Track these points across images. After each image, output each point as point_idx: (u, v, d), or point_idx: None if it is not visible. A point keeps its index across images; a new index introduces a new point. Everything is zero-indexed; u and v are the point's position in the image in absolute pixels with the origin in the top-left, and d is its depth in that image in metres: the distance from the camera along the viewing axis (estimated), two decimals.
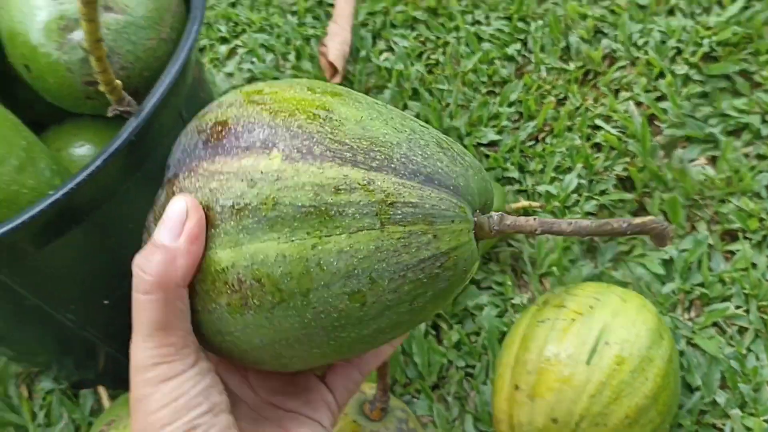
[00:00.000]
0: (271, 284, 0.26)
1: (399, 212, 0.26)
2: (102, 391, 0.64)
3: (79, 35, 0.48)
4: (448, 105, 0.81)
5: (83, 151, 0.55)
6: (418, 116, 0.81)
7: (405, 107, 0.82)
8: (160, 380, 0.28)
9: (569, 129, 0.76)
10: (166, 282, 0.27)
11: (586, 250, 0.68)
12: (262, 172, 0.27)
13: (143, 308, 0.28)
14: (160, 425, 0.27)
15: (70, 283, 0.52)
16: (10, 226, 0.42)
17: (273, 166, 0.27)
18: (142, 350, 0.28)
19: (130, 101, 0.49)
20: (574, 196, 0.71)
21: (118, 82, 0.47)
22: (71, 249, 0.50)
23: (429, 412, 0.60)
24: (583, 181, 0.72)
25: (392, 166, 0.27)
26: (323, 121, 0.27)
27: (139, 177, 0.51)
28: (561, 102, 0.79)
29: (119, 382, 0.63)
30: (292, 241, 0.26)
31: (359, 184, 0.26)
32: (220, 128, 0.29)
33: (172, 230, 0.27)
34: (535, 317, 0.53)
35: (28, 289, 0.50)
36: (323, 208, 0.26)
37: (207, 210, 0.28)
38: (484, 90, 0.81)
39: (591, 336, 0.50)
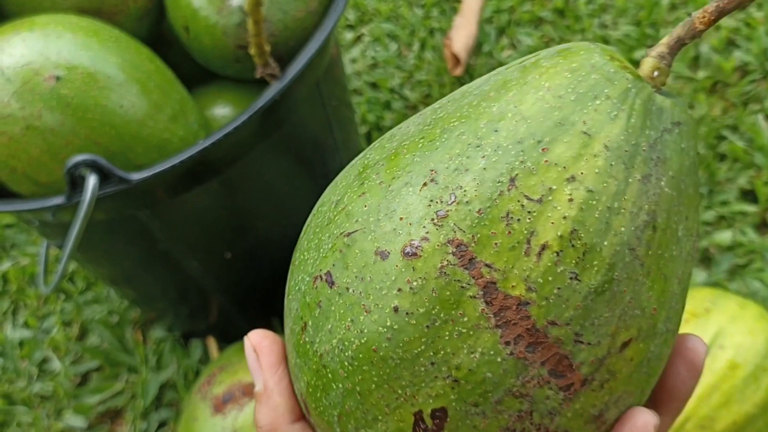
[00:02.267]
0: None
1: None
2: (211, 341, 0.68)
3: (237, 1, 0.51)
4: None
5: (224, 111, 0.59)
6: None
7: None
8: None
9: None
10: (275, 426, 0.24)
11: (700, 260, 0.66)
12: None
13: None
14: None
15: (199, 232, 0.56)
16: (163, 168, 0.46)
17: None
18: None
19: (276, 66, 0.53)
20: None
21: (268, 47, 0.51)
22: (205, 199, 0.53)
23: None
24: (703, 190, 0.70)
25: None
26: None
27: (272, 141, 0.54)
28: None
29: (227, 336, 0.67)
30: None
31: None
32: None
33: (255, 375, 0.25)
34: None
35: (163, 233, 0.54)
36: None
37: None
38: None
39: (705, 338, 0.49)
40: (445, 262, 0.19)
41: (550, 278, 0.19)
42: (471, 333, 0.19)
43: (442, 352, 0.19)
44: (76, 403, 0.68)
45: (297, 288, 0.22)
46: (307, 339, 0.21)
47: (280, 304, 0.66)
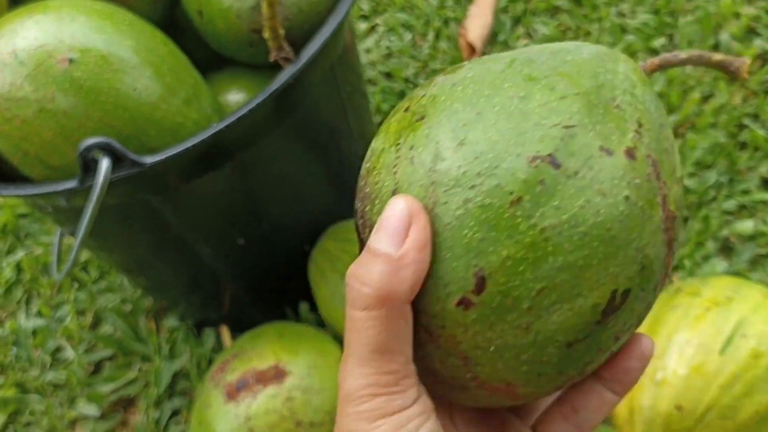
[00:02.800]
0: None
1: None
2: (224, 330, 0.68)
3: None
4: None
5: (238, 97, 0.58)
6: None
7: None
8: (378, 416, 0.23)
9: (713, 126, 0.73)
10: (390, 296, 0.22)
11: (720, 249, 0.65)
12: None
13: (361, 326, 0.23)
14: None
15: (213, 217, 0.56)
16: (176, 151, 0.46)
17: None
18: (356, 377, 0.23)
19: (290, 50, 0.52)
20: (712, 192, 0.68)
21: (282, 30, 0.50)
22: (218, 184, 0.53)
23: None
24: (722, 179, 0.68)
25: None
26: None
27: (286, 126, 0.53)
28: (706, 98, 0.76)
29: (240, 325, 0.67)
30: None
31: None
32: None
33: (393, 237, 0.23)
34: (666, 303, 0.52)
35: (176, 218, 0.53)
36: None
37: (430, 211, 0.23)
38: None
39: (727, 326, 0.48)
40: (649, 170, 0.23)
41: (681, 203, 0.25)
42: (655, 231, 0.23)
43: (643, 242, 0.23)
44: (89, 392, 0.68)
45: (494, 165, 0.23)
46: (519, 213, 0.22)
47: (294, 293, 0.66)
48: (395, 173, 0.24)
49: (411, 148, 0.24)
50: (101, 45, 0.47)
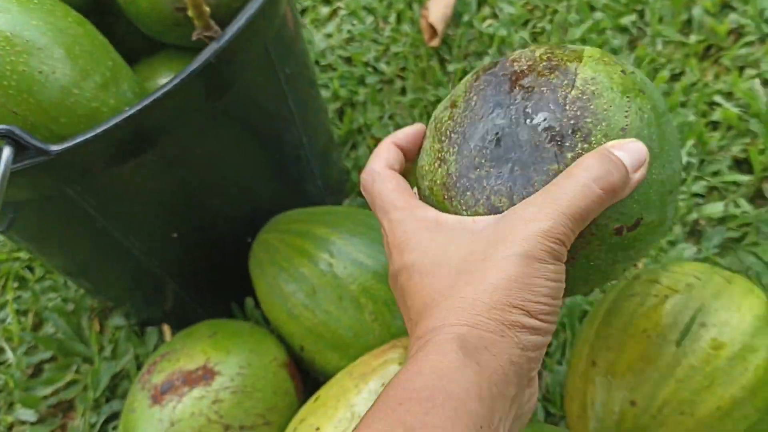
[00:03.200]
0: None
1: None
2: (166, 329, 0.64)
3: None
4: None
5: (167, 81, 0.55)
6: None
7: None
8: (555, 257, 0.28)
9: (683, 104, 0.69)
10: (614, 191, 0.29)
11: (689, 233, 0.61)
12: None
13: (590, 196, 0.29)
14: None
15: (139, 208, 0.52)
16: (85, 137, 0.42)
17: None
18: (562, 222, 0.28)
19: (216, 29, 0.48)
20: (682, 174, 0.64)
21: (206, 8, 0.46)
22: (143, 173, 0.49)
23: None
24: (693, 160, 0.65)
25: None
26: None
27: (217, 109, 0.50)
28: (676, 77, 0.72)
29: (185, 322, 0.63)
30: None
31: None
32: None
33: (633, 160, 0.30)
34: (622, 292, 0.48)
35: (99, 211, 0.49)
36: None
37: None
38: None
39: (685, 315, 0.44)
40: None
41: None
42: None
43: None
44: (26, 396, 0.64)
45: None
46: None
47: (240, 288, 0.62)
48: (626, 117, 0.31)
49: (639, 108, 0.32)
50: (4, 25, 0.44)
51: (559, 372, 0.55)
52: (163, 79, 0.56)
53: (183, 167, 0.51)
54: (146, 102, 0.43)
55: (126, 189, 0.50)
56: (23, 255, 0.76)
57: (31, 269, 0.75)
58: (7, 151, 0.41)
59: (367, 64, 0.82)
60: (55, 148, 0.42)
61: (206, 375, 0.49)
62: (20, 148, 0.42)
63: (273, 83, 0.54)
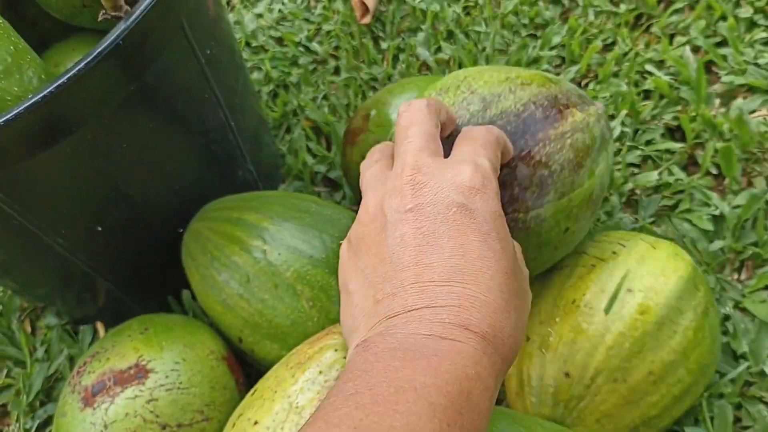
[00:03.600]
0: None
1: None
2: (100, 326, 0.62)
3: None
4: (484, 49, 0.75)
5: None
6: (452, 60, 0.75)
7: (439, 50, 0.76)
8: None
9: (615, 75, 0.69)
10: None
11: (626, 203, 0.61)
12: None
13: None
14: None
15: (59, 202, 0.49)
16: None
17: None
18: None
19: (126, 8, 0.46)
20: (617, 144, 0.64)
21: None
22: (59, 164, 0.47)
23: None
24: (627, 129, 0.65)
25: None
26: None
27: (136, 93, 0.47)
28: (608, 47, 0.73)
29: (120, 319, 0.61)
30: None
31: None
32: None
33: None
34: (553, 265, 0.48)
35: (12, 205, 0.47)
36: None
37: None
38: (524, 33, 0.75)
39: (611, 283, 0.44)
40: None
41: None
42: None
43: None
44: None
45: None
46: None
47: (175, 281, 0.60)
48: None
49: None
50: None
51: None
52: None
53: (103, 156, 0.49)
54: (51, 87, 0.41)
55: (42, 182, 0.48)
56: None
57: None
58: None
59: (299, 44, 0.81)
60: None
61: (139, 374, 0.47)
62: None
63: (193, 65, 0.52)
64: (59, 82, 0.41)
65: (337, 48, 0.79)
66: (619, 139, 0.65)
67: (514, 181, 0.40)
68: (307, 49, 0.80)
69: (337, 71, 0.78)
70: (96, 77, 0.43)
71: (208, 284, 0.52)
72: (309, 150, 0.71)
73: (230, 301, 0.51)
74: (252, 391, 0.45)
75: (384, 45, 0.78)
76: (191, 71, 0.53)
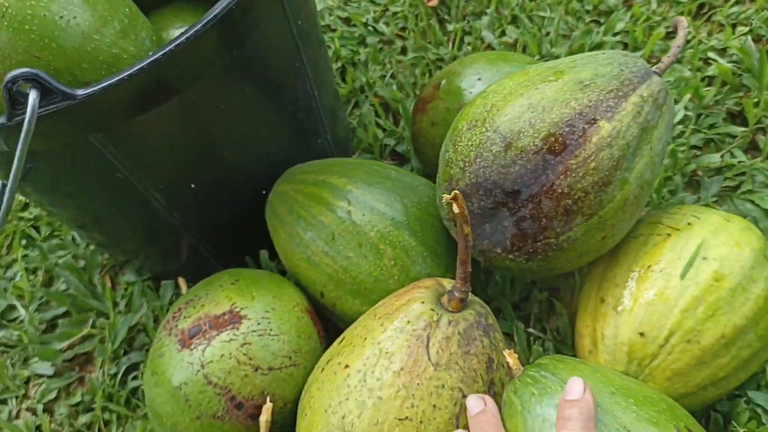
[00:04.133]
0: None
1: None
2: (182, 281, 0.66)
3: None
4: (548, 33, 0.77)
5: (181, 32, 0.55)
6: (516, 44, 0.78)
7: (503, 33, 0.79)
8: None
9: (678, 61, 0.72)
10: None
11: (687, 183, 0.64)
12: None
13: None
14: None
15: (160, 158, 0.53)
16: (110, 81, 0.43)
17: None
18: None
19: None
20: (680, 127, 0.66)
21: None
22: (164, 123, 0.50)
23: (509, 331, 0.58)
24: (690, 114, 0.67)
25: None
26: None
27: (234, 61, 0.51)
28: (671, 34, 0.74)
29: (200, 276, 0.65)
30: None
31: None
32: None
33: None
34: (628, 233, 0.50)
35: (120, 159, 0.51)
36: None
37: None
38: (588, 19, 0.77)
39: (687, 250, 0.46)
40: None
41: None
42: None
43: None
44: (42, 350, 0.65)
45: None
46: None
47: (255, 241, 0.64)
48: None
49: None
50: None
51: (566, 316, 0.58)
52: (176, 30, 0.57)
53: (201, 118, 0.52)
54: (171, 47, 0.44)
55: (147, 139, 0.51)
56: (27, 214, 0.77)
57: (36, 228, 0.75)
58: (33, 95, 0.42)
59: (366, 24, 0.83)
60: (81, 92, 0.43)
61: (233, 319, 0.51)
62: (46, 93, 0.42)
63: (287, 36, 0.56)
64: (178, 42, 0.44)
65: (403, 29, 0.82)
66: (682, 122, 0.67)
67: (540, 213, 0.44)
68: (374, 29, 0.83)
69: (403, 51, 0.81)
70: (202, 44, 0.46)
71: (294, 242, 0.55)
72: (377, 125, 0.74)
73: (315, 258, 0.54)
74: (339, 340, 0.48)
75: (450, 27, 0.81)
76: (285, 42, 0.56)
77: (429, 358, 0.42)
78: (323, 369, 0.47)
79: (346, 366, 0.45)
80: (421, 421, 0.41)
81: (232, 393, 0.49)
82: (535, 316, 0.59)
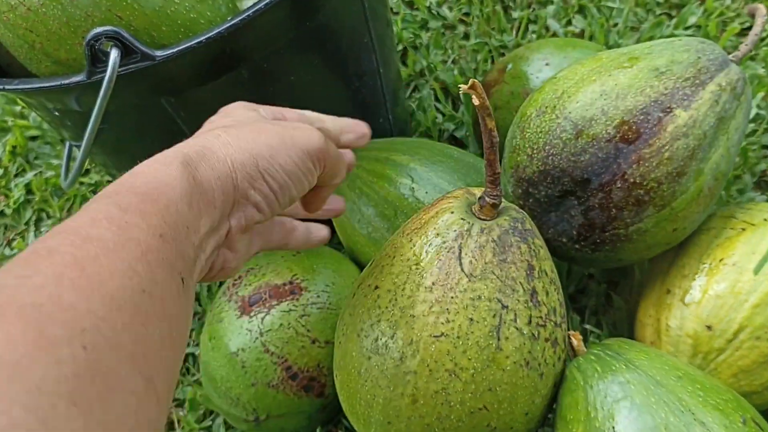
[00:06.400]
0: None
1: None
2: None
3: None
4: (616, 24, 0.76)
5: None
6: (582, 34, 0.76)
7: (569, 23, 0.78)
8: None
9: (752, 58, 0.70)
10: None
11: (756, 183, 0.62)
12: None
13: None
14: None
15: None
16: (189, 44, 0.43)
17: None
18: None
19: None
20: (752, 125, 0.65)
21: None
22: (233, 90, 0.50)
23: None
24: (762, 112, 0.65)
25: None
26: None
27: (305, 32, 0.51)
28: (745, 30, 0.72)
29: None
30: None
31: None
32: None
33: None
34: (699, 226, 0.49)
35: (188, 124, 0.51)
36: None
37: None
38: (659, 11, 0.76)
39: (763, 246, 0.45)
40: None
41: None
42: None
43: None
44: None
45: None
46: None
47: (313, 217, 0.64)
48: None
49: None
50: None
51: (624, 310, 0.57)
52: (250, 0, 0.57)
53: (270, 87, 0.53)
54: (248, 13, 0.44)
55: (215, 105, 0.51)
56: (88, 180, 0.78)
57: (97, 192, 0.76)
58: (114, 53, 0.42)
59: (429, 8, 0.83)
60: (160, 53, 0.43)
61: (294, 290, 0.51)
62: (126, 52, 0.43)
63: (358, 10, 0.55)
64: (254, 9, 0.45)
65: (466, 14, 0.81)
66: (755, 120, 0.65)
67: (609, 203, 0.43)
68: (437, 13, 0.82)
69: (466, 36, 0.80)
70: (277, 13, 0.46)
71: (355, 218, 0.55)
72: (437, 109, 0.74)
73: (375, 235, 0.54)
74: (370, 263, 0.45)
75: (515, 15, 0.80)
76: (355, 16, 0.56)
77: (462, 270, 0.39)
78: (354, 294, 0.44)
79: (376, 287, 0.42)
80: (458, 337, 0.38)
81: (289, 363, 0.49)
82: (591, 308, 0.58)
